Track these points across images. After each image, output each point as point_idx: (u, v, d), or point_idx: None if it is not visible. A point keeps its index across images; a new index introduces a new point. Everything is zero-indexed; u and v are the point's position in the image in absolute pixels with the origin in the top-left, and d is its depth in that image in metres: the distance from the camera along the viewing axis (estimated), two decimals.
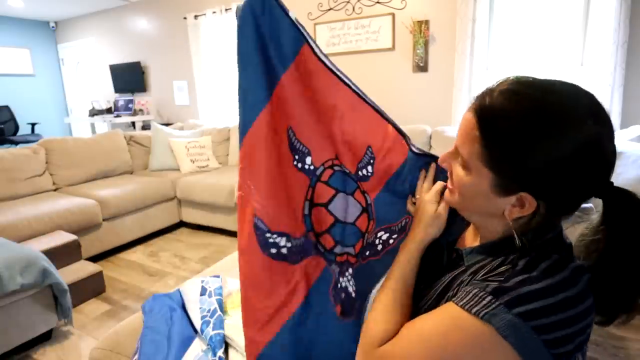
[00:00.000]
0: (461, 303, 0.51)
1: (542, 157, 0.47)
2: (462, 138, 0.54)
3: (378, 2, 3.34)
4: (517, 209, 0.53)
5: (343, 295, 0.80)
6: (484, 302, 0.49)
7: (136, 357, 0.98)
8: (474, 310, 0.49)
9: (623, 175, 2.04)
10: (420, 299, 0.66)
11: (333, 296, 0.80)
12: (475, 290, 0.51)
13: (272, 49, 0.76)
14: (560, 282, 0.49)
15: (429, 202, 0.68)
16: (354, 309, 0.78)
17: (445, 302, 0.57)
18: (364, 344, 0.61)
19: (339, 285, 0.81)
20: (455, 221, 0.69)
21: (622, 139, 2.23)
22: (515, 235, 0.54)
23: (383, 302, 0.63)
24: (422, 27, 3.16)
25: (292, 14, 0.75)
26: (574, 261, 0.53)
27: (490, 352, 0.48)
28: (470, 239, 0.67)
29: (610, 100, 2.57)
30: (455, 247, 0.68)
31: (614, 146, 0.48)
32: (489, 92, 0.53)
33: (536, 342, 0.46)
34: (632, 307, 0.52)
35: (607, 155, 0.48)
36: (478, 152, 0.52)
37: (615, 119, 2.59)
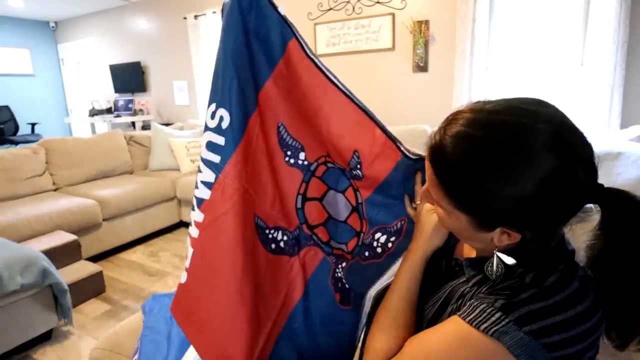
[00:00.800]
0: (468, 318, 0.49)
1: (504, 198, 0.45)
2: (428, 181, 0.54)
3: (378, 2, 3.34)
4: (505, 237, 0.51)
5: (339, 284, 0.81)
6: (493, 318, 0.47)
7: (136, 357, 0.98)
8: (483, 327, 0.48)
9: (623, 175, 2.05)
10: (421, 308, 0.66)
11: (333, 285, 0.81)
12: (483, 306, 0.49)
13: (259, 47, 0.74)
14: (570, 296, 0.48)
15: (431, 212, 0.65)
16: (351, 299, 0.79)
17: (448, 315, 0.56)
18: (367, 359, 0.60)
19: (337, 274, 0.81)
20: None
21: (622, 139, 2.23)
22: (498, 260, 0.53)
23: (386, 316, 0.62)
24: (422, 27, 3.16)
25: (282, 9, 0.74)
26: (578, 269, 0.52)
27: None
28: (469, 247, 0.67)
29: (610, 100, 2.57)
30: (454, 257, 0.67)
31: (588, 162, 0.46)
32: (439, 133, 0.50)
33: (547, 359, 0.46)
34: None
35: (579, 178, 0.45)
36: (443, 196, 0.51)
37: (615, 119, 2.59)
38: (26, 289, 1.76)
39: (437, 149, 0.49)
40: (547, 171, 0.43)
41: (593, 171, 0.46)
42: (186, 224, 3.57)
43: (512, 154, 0.44)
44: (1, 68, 5.76)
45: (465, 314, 0.51)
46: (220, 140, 0.72)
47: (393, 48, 3.37)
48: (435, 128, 0.53)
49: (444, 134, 0.49)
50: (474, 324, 0.49)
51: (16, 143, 5.35)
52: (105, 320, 2.09)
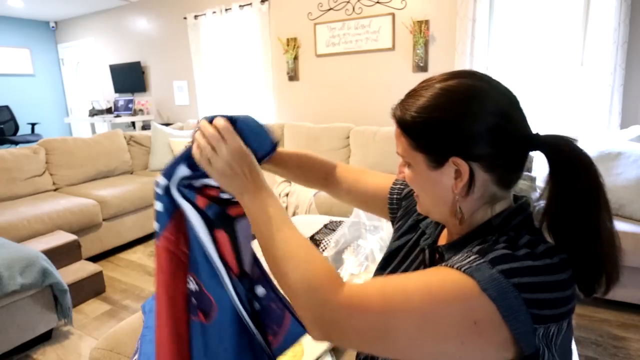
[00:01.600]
0: (447, 264, 0.52)
1: (452, 129, 0.55)
2: (396, 142, 0.62)
3: (378, 2, 3.34)
4: (458, 180, 0.56)
5: (195, 302, 0.69)
6: (469, 259, 0.50)
7: (136, 357, 0.98)
8: (458, 265, 0.50)
9: (623, 175, 2.05)
10: None
11: (191, 311, 0.69)
12: (460, 254, 0.53)
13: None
14: (541, 252, 0.51)
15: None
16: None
17: None
18: (317, 288, 0.51)
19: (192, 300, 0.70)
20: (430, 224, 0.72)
21: (622, 139, 2.23)
22: (458, 208, 0.58)
23: (302, 244, 0.56)
24: (422, 27, 3.16)
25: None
26: (542, 240, 0.55)
27: (470, 304, 0.48)
28: (446, 238, 0.69)
29: (610, 100, 2.57)
30: (436, 246, 0.69)
31: (519, 118, 0.56)
32: (399, 103, 0.61)
33: (517, 298, 0.47)
34: (612, 243, 0.54)
35: (513, 125, 0.55)
36: (405, 144, 0.60)
37: (615, 119, 2.59)
38: (26, 289, 1.76)
39: (402, 115, 0.59)
40: (488, 123, 0.54)
41: (523, 126, 0.56)
42: None
43: (458, 107, 0.55)
44: (1, 68, 5.76)
45: (444, 262, 0.53)
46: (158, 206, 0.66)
47: (393, 48, 3.37)
48: None
49: (406, 103, 0.59)
50: (449, 265, 0.51)
51: (16, 143, 5.35)
52: (105, 320, 2.09)
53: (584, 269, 0.54)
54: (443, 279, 0.50)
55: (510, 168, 0.57)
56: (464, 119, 0.54)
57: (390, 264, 0.77)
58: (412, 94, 0.60)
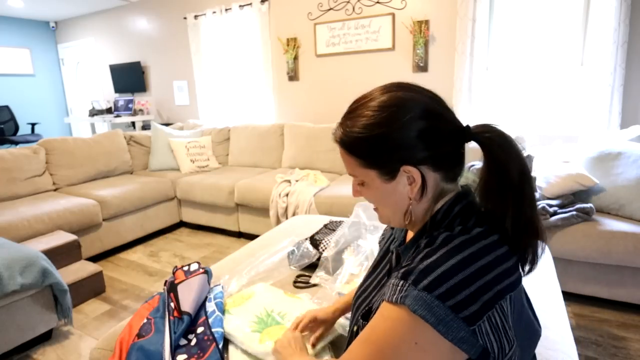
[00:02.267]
0: (385, 297, 0.56)
1: (396, 142, 0.59)
2: (345, 164, 0.66)
3: (378, 2, 3.34)
4: (413, 186, 0.61)
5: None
6: (398, 287, 0.54)
7: None
8: (393, 298, 0.54)
9: (623, 175, 2.04)
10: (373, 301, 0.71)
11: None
12: (393, 281, 0.56)
13: None
14: (455, 246, 0.54)
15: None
16: None
17: None
18: None
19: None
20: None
21: (622, 139, 2.23)
22: (409, 212, 0.63)
23: None
24: (422, 27, 3.16)
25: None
26: (484, 226, 0.59)
27: (405, 328, 0.51)
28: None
29: (610, 100, 2.57)
30: (397, 248, 0.73)
31: (447, 117, 0.61)
32: (342, 127, 0.64)
33: (443, 308, 0.49)
34: (535, 230, 0.59)
35: (442, 124, 0.60)
36: (355, 164, 0.63)
37: (615, 119, 2.59)
38: (26, 289, 1.76)
39: (345, 137, 0.63)
40: (419, 127, 0.59)
41: (453, 121, 0.61)
42: (186, 224, 3.57)
43: (396, 119, 0.59)
44: (1, 68, 5.76)
45: (386, 295, 0.56)
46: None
47: (393, 48, 3.37)
48: None
49: (346, 125, 0.63)
50: (387, 299, 0.55)
51: (16, 143, 5.35)
52: (105, 320, 2.09)
53: (518, 239, 0.59)
54: (385, 317, 0.54)
55: (453, 162, 0.62)
56: (400, 130, 0.59)
57: (369, 271, 0.83)
58: (349, 116, 0.63)
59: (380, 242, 0.92)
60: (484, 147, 0.60)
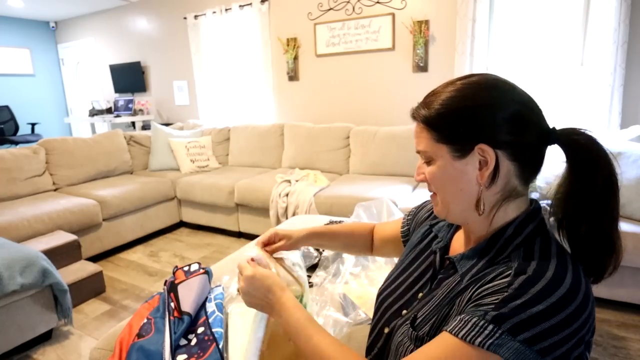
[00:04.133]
0: (461, 334, 0.50)
1: (479, 111, 0.56)
2: (417, 140, 0.63)
3: (378, 2, 3.34)
4: (484, 169, 0.56)
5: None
6: (487, 331, 0.48)
7: None
8: (478, 341, 0.48)
9: (623, 175, 2.05)
10: (413, 304, 0.66)
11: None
12: (475, 320, 0.50)
13: None
14: (561, 298, 0.48)
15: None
16: None
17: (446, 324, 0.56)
18: None
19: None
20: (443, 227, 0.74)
21: (622, 139, 2.23)
22: (482, 199, 0.58)
23: (332, 343, 0.61)
24: (422, 27, 3.16)
25: None
26: (552, 242, 0.55)
27: None
28: (461, 247, 0.68)
29: (610, 100, 2.57)
30: (447, 256, 0.68)
31: (538, 112, 0.58)
32: (420, 103, 0.63)
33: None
34: (611, 247, 0.55)
35: (533, 119, 0.57)
36: (429, 138, 0.60)
37: (615, 119, 2.59)
38: (26, 289, 1.76)
39: (426, 109, 0.60)
40: (512, 110, 0.56)
41: (542, 119, 0.58)
42: (186, 224, 3.57)
43: (490, 97, 0.57)
44: (1, 68, 5.76)
45: (457, 329, 0.51)
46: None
47: (393, 48, 3.37)
48: None
49: (430, 100, 0.61)
50: (467, 339, 0.49)
51: (16, 143, 5.35)
52: (105, 320, 2.09)
53: (591, 264, 0.56)
54: (454, 356, 0.49)
55: (530, 161, 0.57)
56: (489, 106, 0.56)
57: (400, 266, 0.78)
58: (432, 93, 0.61)
59: (408, 218, 0.88)
60: (569, 151, 0.56)
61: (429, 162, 0.61)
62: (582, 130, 0.55)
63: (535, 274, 0.50)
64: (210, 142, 3.83)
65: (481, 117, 0.56)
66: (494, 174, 0.56)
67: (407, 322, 0.63)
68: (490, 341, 0.47)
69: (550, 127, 0.58)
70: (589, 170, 0.54)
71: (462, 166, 0.57)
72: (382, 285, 0.77)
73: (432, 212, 0.81)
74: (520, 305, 0.48)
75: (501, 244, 0.58)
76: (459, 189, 0.59)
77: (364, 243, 0.98)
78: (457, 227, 0.72)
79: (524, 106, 0.56)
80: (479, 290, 0.54)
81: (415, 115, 0.62)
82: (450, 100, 0.58)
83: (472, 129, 0.56)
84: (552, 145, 0.58)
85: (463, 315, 0.52)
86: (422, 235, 0.78)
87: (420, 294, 0.67)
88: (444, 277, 0.65)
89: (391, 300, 0.71)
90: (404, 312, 0.67)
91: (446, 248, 0.70)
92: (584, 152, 0.55)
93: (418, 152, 0.63)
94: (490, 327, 0.48)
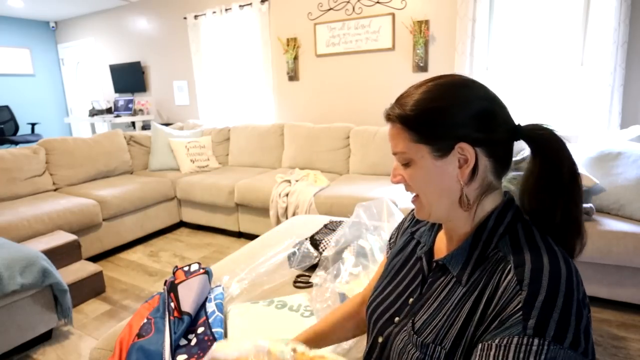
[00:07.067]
0: (499, 343, 0.48)
1: (455, 118, 0.58)
2: (394, 142, 0.63)
3: (378, 2, 3.34)
4: (464, 167, 0.58)
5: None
6: (535, 347, 0.46)
7: None
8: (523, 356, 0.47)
9: (623, 175, 2.04)
10: (405, 311, 0.66)
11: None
12: (516, 340, 0.48)
13: None
14: (567, 280, 0.50)
15: None
16: None
17: (471, 331, 0.54)
18: None
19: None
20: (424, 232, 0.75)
21: (622, 139, 2.23)
22: (464, 195, 0.60)
23: None
24: (422, 27, 3.16)
25: None
26: (534, 228, 0.59)
27: None
28: (444, 248, 0.67)
29: (610, 100, 2.57)
30: (434, 259, 0.67)
31: (504, 110, 0.61)
32: (394, 103, 0.63)
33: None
34: (579, 231, 0.59)
35: (499, 114, 0.60)
36: (407, 139, 0.60)
37: (615, 119, 2.59)
38: (26, 289, 1.76)
39: (401, 109, 0.61)
40: (481, 106, 0.59)
41: (509, 116, 0.61)
42: (186, 224, 3.57)
43: (458, 96, 0.59)
44: (1, 68, 5.76)
45: (503, 357, 0.48)
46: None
47: (393, 48, 3.37)
48: None
49: (403, 101, 0.62)
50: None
51: (16, 143, 5.35)
52: (105, 320, 2.09)
53: (563, 248, 0.59)
54: None
55: (503, 157, 0.61)
56: (460, 105, 0.58)
57: (386, 276, 0.77)
58: (404, 95, 0.63)
59: (390, 243, 0.86)
60: (535, 146, 0.60)
61: (407, 163, 0.62)
62: (545, 126, 0.59)
63: (534, 263, 0.52)
64: (210, 142, 3.83)
65: (456, 116, 0.58)
66: (473, 171, 0.58)
67: (404, 329, 0.63)
68: (543, 357, 0.46)
69: (516, 123, 0.61)
70: (554, 162, 0.58)
71: (443, 165, 0.59)
72: (371, 296, 0.77)
73: (413, 220, 0.81)
74: (544, 302, 0.48)
75: (486, 235, 0.59)
76: (441, 188, 0.61)
77: (353, 322, 0.88)
78: (438, 230, 0.72)
79: (491, 102, 0.59)
80: (495, 303, 0.52)
81: (390, 117, 0.63)
82: (424, 100, 0.59)
83: (449, 128, 0.58)
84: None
85: (498, 341, 0.49)
86: (404, 243, 0.78)
87: (411, 299, 0.67)
88: (434, 279, 0.65)
89: (382, 310, 0.71)
90: (397, 319, 0.67)
91: (430, 252, 0.70)
92: (549, 146, 0.59)
93: (395, 153, 0.63)
94: (537, 341, 0.46)
